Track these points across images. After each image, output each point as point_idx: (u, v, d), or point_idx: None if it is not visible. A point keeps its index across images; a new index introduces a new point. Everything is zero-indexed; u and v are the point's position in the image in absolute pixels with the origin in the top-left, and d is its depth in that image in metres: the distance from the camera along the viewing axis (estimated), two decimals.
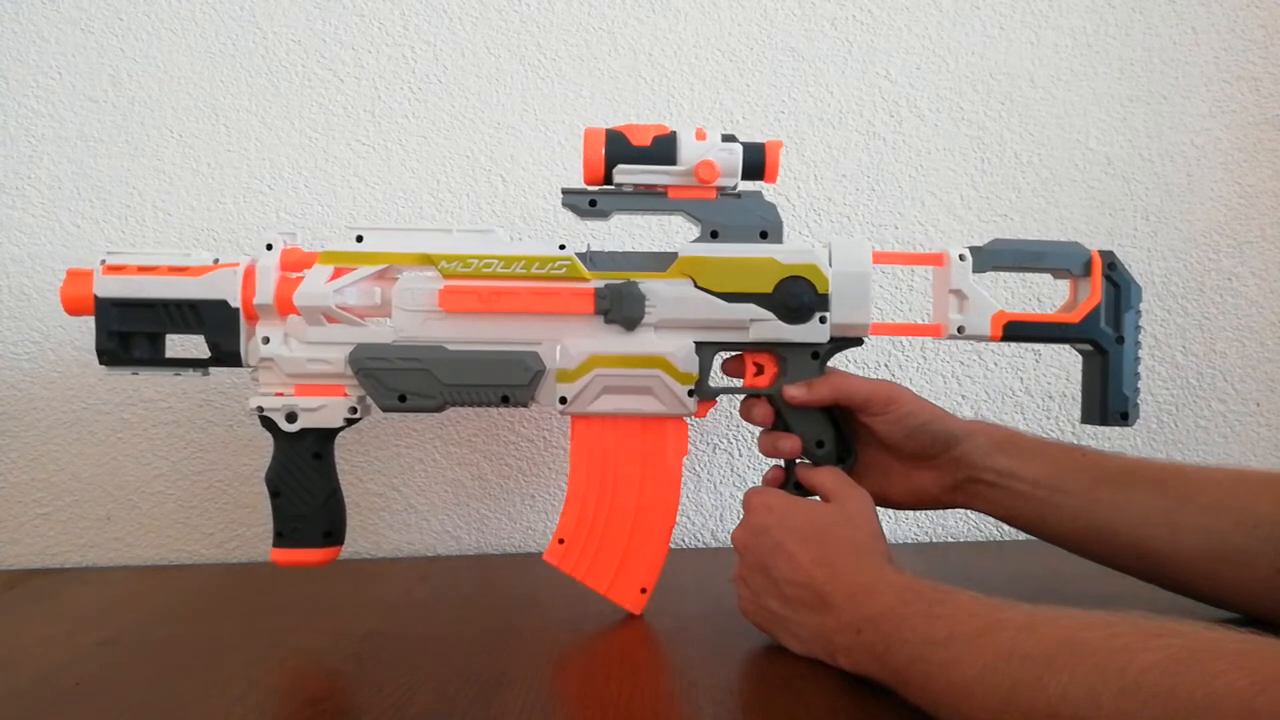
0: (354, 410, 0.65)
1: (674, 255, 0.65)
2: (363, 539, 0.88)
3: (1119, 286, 0.67)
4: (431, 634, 0.64)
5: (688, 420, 0.67)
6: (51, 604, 0.74)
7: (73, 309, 0.65)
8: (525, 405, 0.65)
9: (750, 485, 0.90)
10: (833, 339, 0.66)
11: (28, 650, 0.63)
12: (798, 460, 0.67)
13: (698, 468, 0.92)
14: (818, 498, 0.64)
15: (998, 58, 0.93)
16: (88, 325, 0.64)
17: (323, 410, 0.64)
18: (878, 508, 0.62)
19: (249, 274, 0.65)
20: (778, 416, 0.67)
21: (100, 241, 0.86)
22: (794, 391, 0.65)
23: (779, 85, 0.91)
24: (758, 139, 0.66)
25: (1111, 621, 0.41)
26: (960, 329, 0.66)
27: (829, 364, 0.68)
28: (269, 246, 0.65)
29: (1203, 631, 0.38)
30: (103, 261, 0.64)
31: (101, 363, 0.65)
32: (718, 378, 0.68)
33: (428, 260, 0.65)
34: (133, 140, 0.87)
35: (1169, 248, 0.95)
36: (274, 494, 0.65)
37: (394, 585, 0.77)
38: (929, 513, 0.92)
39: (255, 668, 0.58)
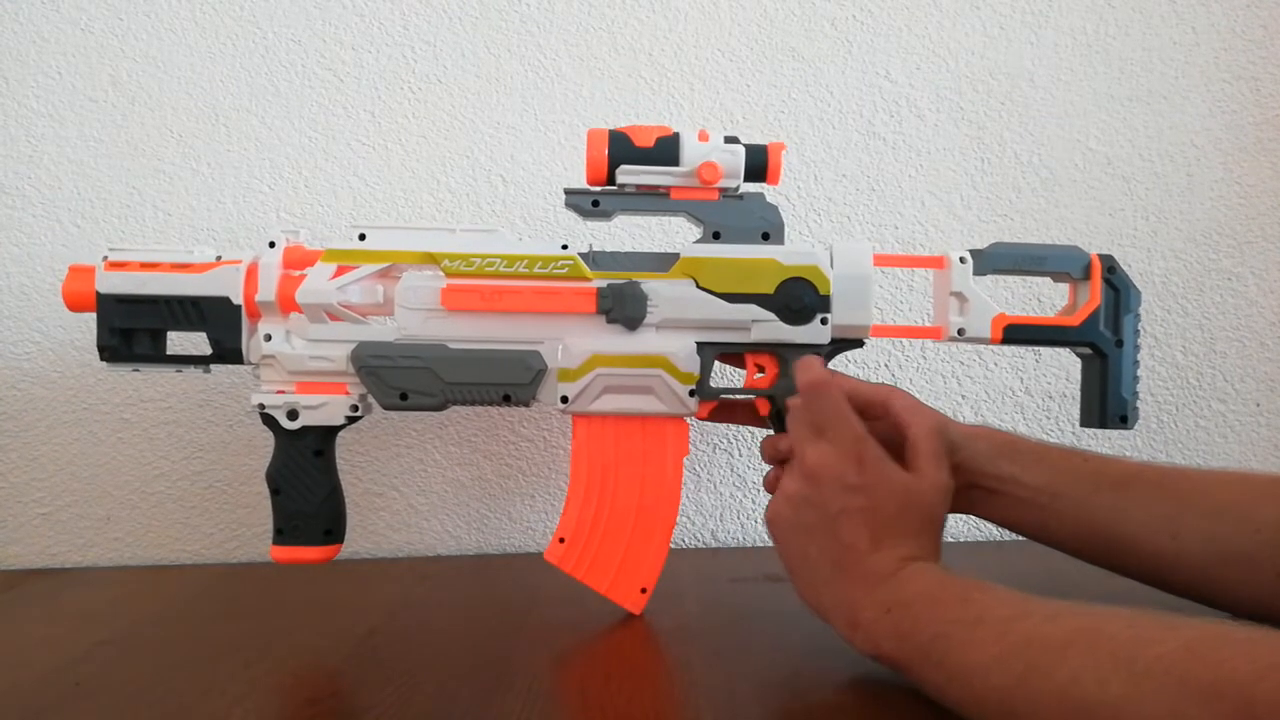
0: (355, 408, 0.65)
1: (676, 256, 0.65)
2: (363, 539, 0.88)
3: (1118, 290, 0.67)
4: (431, 634, 0.64)
5: (688, 420, 0.67)
6: (51, 604, 0.74)
7: (74, 305, 0.65)
8: (527, 404, 0.65)
9: (750, 485, 0.91)
10: (834, 340, 0.66)
11: (28, 650, 0.63)
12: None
13: (698, 468, 0.92)
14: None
15: (998, 58, 0.93)
16: (88, 325, 0.64)
17: (324, 408, 0.65)
18: None
19: (251, 271, 0.65)
20: (777, 418, 0.67)
21: (100, 241, 0.86)
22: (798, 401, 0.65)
23: (779, 85, 0.91)
24: (758, 139, 0.66)
25: (1134, 615, 0.42)
26: (960, 331, 0.66)
27: (829, 366, 0.68)
28: (271, 244, 0.65)
29: (1215, 625, 0.39)
30: (105, 258, 0.64)
31: (103, 359, 0.65)
32: (719, 378, 0.68)
33: (431, 259, 0.65)
34: (133, 140, 0.87)
35: (1169, 248, 0.95)
36: (274, 491, 0.65)
37: (394, 585, 0.77)
38: None
39: (255, 668, 0.58)
